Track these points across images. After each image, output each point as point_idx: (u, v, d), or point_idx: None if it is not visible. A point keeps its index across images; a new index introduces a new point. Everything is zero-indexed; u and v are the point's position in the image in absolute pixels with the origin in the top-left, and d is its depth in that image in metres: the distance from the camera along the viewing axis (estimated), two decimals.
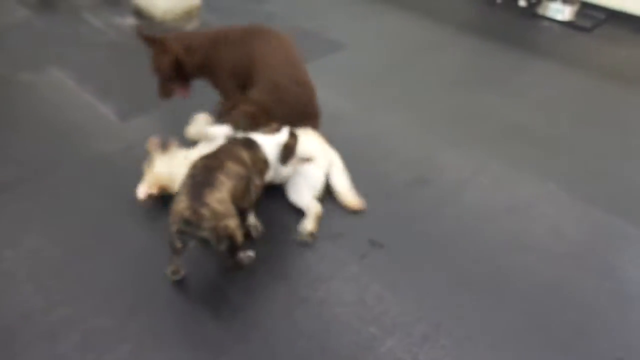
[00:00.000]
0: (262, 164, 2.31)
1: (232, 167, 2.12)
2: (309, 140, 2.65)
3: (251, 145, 2.29)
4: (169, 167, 2.46)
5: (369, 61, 4.08)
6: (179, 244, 2.05)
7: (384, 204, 2.65)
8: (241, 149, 2.24)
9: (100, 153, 2.87)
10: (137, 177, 2.49)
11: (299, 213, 2.52)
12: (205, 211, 1.95)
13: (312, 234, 2.41)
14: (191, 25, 4.41)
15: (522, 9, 5.07)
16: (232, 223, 2.03)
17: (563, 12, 4.77)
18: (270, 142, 2.36)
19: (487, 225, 2.56)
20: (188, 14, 4.48)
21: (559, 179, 2.85)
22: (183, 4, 4.44)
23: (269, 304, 2.11)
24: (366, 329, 2.03)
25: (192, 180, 2.05)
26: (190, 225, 1.97)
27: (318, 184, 2.62)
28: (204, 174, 2.06)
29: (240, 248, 2.12)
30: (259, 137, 2.34)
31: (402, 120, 3.32)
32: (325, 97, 3.00)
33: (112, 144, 2.94)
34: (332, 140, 2.88)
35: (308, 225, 2.43)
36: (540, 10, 4.92)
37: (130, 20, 4.41)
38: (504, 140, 3.19)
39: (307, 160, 2.58)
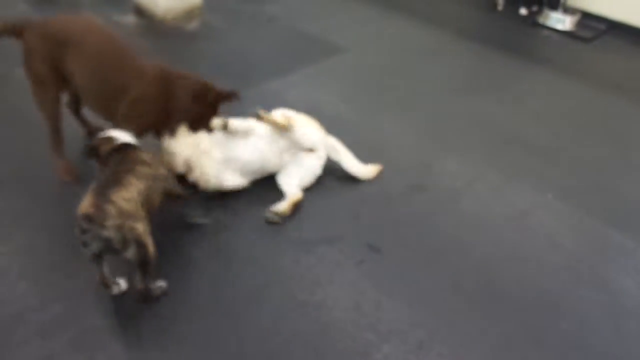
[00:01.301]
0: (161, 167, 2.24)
1: (141, 169, 2.03)
2: (311, 130, 2.70)
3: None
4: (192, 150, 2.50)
5: (370, 65, 4.08)
6: (87, 253, 1.85)
7: (382, 209, 2.64)
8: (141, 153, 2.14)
9: None
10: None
11: (298, 216, 2.52)
12: (110, 207, 1.80)
13: (282, 216, 2.48)
14: (192, 26, 4.40)
15: (523, 17, 5.09)
16: (141, 227, 1.86)
17: (564, 22, 4.79)
18: None
19: (484, 234, 2.56)
20: (189, 14, 4.46)
21: (557, 189, 2.85)
22: (184, 3, 4.43)
23: (266, 306, 2.11)
24: (362, 335, 2.02)
25: (99, 181, 1.93)
26: (92, 222, 1.77)
27: (310, 176, 2.69)
28: (113, 175, 1.95)
29: (151, 263, 1.92)
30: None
31: (401, 126, 3.32)
32: (325, 100, 3.01)
33: None
34: None
35: (282, 206, 2.50)
36: (541, 19, 4.94)
37: (130, 18, 4.39)
38: (501, 148, 3.19)
39: (309, 150, 2.66)
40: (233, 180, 2.59)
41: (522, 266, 2.39)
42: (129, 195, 1.88)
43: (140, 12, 4.45)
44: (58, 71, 2.37)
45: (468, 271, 2.34)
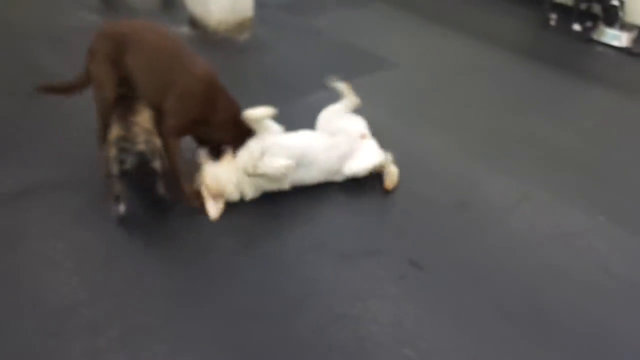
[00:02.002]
0: None
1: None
2: (356, 120, 2.89)
3: None
4: (219, 176, 2.55)
5: (418, 80, 4.07)
6: (116, 171, 2.27)
7: (425, 225, 2.62)
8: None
9: None
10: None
11: (340, 228, 2.53)
12: (136, 128, 2.29)
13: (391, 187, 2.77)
14: (243, 37, 4.52)
15: (577, 33, 4.97)
16: (158, 142, 2.37)
17: (620, 38, 4.65)
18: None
19: (531, 256, 2.49)
20: (240, 26, 4.58)
21: (609, 211, 2.75)
22: (236, 15, 4.55)
23: (305, 317, 2.12)
24: (401, 351, 2.00)
25: (114, 116, 2.39)
26: (127, 141, 2.24)
27: (377, 155, 2.83)
28: (123, 108, 2.41)
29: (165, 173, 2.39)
30: None
31: (447, 141, 3.29)
32: (371, 113, 3.01)
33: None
34: None
35: (390, 179, 2.78)
36: (596, 36, 4.81)
37: (185, 29, 4.55)
38: (551, 167, 3.11)
39: (363, 136, 2.82)
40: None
41: (571, 291, 2.31)
42: (144, 116, 2.39)
43: (194, 23, 4.60)
44: (117, 71, 2.53)
45: (514, 294, 2.28)
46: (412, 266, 2.37)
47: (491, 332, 2.11)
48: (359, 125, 2.90)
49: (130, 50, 2.51)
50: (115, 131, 2.31)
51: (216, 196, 2.54)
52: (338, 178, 2.78)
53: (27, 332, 1.96)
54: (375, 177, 2.81)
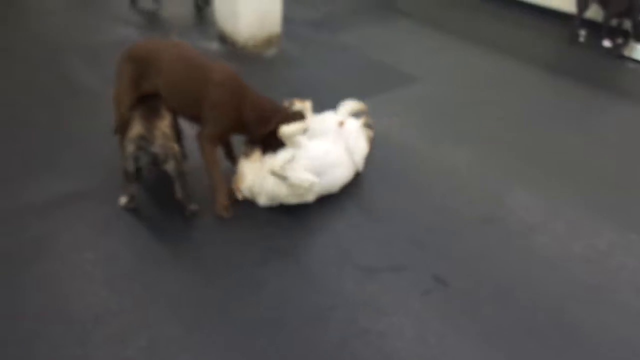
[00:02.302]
0: None
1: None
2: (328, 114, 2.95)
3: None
4: (242, 169, 2.70)
5: (443, 95, 4.06)
6: (132, 167, 2.45)
7: (449, 240, 2.60)
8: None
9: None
10: (213, 198, 2.61)
11: (364, 241, 2.53)
12: (156, 132, 2.46)
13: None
14: (271, 53, 4.59)
15: (607, 49, 4.90)
16: (176, 147, 2.52)
17: None
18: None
19: (560, 274, 2.44)
20: (268, 42, 4.66)
21: None
22: (264, 32, 4.64)
23: (329, 330, 2.11)
24: None
25: (139, 112, 2.54)
26: (145, 140, 2.41)
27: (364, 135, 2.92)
28: (147, 109, 2.56)
29: (184, 176, 2.54)
30: None
31: (472, 155, 3.26)
32: (396, 127, 3.03)
33: (191, 160, 3.07)
34: (400, 171, 2.87)
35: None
36: (627, 52, 4.73)
37: (215, 45, 4.66)
38: (581, 184, 3.06)
39: (341, 123, 2.85)
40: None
41: (602, 310, 2.25)
42: (167, 122, 2.56)
43: (223, 39, 4.71)
44: (137, 91, 2.66)
45: (542, 312, 2.23)
46: (436, 281, 2.34)
47: (517, 350, 2.07)
48: (332, 116, 2.94)
49: (153, 69, 2.62)
50: (136, 129, 2.47)
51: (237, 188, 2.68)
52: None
53: (56, 341, 2.01)
54: (398, 190, 2.80)
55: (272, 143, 2.70)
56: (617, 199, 2.93)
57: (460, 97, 4.04)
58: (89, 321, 2.09)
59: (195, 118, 2.70)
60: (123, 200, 2.64)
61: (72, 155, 3.06)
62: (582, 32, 5.09)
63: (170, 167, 2.49)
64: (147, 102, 2.65)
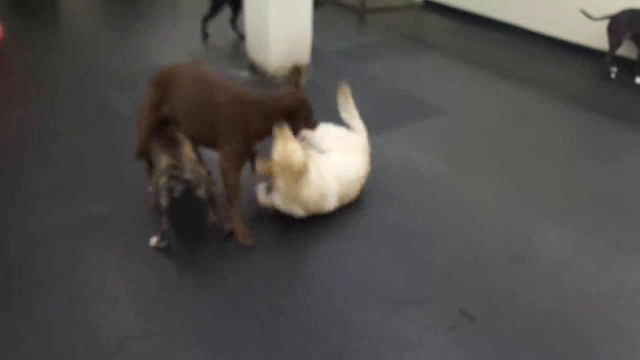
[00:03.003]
0: None
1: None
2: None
3: None
4: (292, 148, 2.58)
5: (470, 128, 4.05)
6: (165, 200, 2.41)
7: (475, 275, 2.55)
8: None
9: None
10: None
11: (389, 273, 2.50)
12: (184, 158, 2.49)
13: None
14: (300, 82, 4.67)
15: (639, 86, 4.83)
16: (203, 171, 2.54)
17: None
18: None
19: (590, 313, 2.36)
20: (297, 71, 4.75)
21: None
22: (294, 62, 4.73)
23: None
24: None
25: (160, 144, 2.60)
26: (176, 169, 2.41)
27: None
28: (167, 138, 2.62)
29: (215, 200, 2.56)
30: None
31: (499, 190, 3.22)
32: (422, 159, 3.02)
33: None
34: (426, 203, 2.84)
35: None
36: None
37: (245, 74, 4.76)
38: (610, 220, 2.98)
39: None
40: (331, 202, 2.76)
41: (633, 352, 2.16)
42: (189, 148, 2.61)
43: (254, 68, 4.82)
44: (157, 116, 2.73)
45: (571, 352, 2.16)
46: (462, 316, 2.29)
47: None
48: (313, 133, 2.89)
49: (171, 92, 2.67)
50: (165, 160, 2.48)
51: (284, 172, 2.58)
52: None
53: None
54: (424, 222, 2.78)
55: (294, 124, 2.61)
56: None
57: (488, 130, 4.02)
58: (112, 345, 2.11)
59: (210, 143, 2.67)
60: (154, 240, 2.57)
61: (103, 179, 3.14)
62: (614, 69, 5.03)
63: (202, 192, 2.49)
64: (164, 132, 2.69)
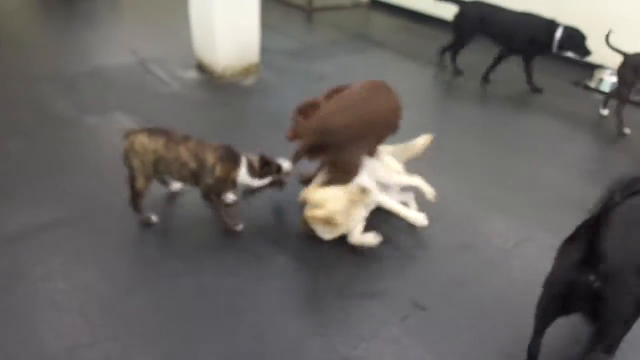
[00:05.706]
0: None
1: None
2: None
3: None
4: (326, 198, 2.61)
5: (413, 119, 4.13)
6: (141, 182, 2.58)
7: (427, 266, 2.62)
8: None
9: (154, 197, 2.97)
10: (191, 226, 2.58)
11: (344, 268, 2.53)
12: (182, 147, 2.57)
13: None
14: (248, 81, 4.64)
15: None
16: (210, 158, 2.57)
17: None
18: None
19: (534, 298, 2.47)
20: (246, 71, 4.72)
21: None
22: (242, 61, 4.69)
23: (306, 358, 2.09)
24: None
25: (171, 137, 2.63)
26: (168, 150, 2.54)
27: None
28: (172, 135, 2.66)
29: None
30: None
31: (448, 183, 3.31)
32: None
33: (165, 189, 3.05)
34: None
35: None
36: None
37: (192, 74, 4.68)
38: (553, 210, 3.13)
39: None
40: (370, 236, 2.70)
41: (576, 329, 2.28)
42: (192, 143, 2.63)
43: (201, 68, 4.74)
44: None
45: (516, 335, 2.25)
46: (414, 307, 2.35)
47: None
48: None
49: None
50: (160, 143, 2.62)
51: (325, 222, 2.58)
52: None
53: None
54: (375, 214, 2.83)
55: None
56: None
57: (434, 120, 4.13)
58: (61, 353, 2.04)
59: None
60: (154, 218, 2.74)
61: (43, 185, 3.03)
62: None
63: (209, 180, 2.58)
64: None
